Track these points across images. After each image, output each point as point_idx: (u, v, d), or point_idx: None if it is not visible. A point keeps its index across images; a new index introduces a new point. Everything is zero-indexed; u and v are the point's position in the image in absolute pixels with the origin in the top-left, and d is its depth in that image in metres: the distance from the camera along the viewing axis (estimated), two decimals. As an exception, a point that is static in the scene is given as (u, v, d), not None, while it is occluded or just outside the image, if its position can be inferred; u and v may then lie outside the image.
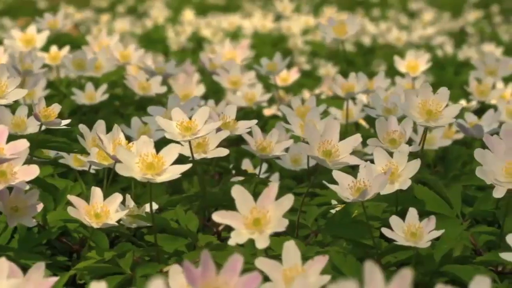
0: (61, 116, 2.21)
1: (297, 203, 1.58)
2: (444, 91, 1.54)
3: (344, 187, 1.35)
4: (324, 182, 1.38)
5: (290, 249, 1.15)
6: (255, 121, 1.58)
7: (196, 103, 1.75)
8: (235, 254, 1.04)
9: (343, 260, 1.37)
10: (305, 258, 1.16)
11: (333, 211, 1.54)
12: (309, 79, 3.45)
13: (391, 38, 4.02)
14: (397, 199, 1.49)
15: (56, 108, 1.54)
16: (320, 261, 1.15)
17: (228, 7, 6.76)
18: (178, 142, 1.46)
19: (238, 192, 1.18)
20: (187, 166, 1.29)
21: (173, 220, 1.50)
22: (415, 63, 2.25)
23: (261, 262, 1.13)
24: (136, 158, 1.28)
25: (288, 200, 1.17)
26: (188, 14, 5.28)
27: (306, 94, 2.96)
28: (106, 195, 1.42)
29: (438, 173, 1.80)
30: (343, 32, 2.14)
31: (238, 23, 4.67)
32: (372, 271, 0.94)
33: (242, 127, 1.58)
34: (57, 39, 4.12)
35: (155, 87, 2.09)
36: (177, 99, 1.75)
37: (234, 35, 4.32)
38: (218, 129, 1.55)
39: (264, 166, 1.98)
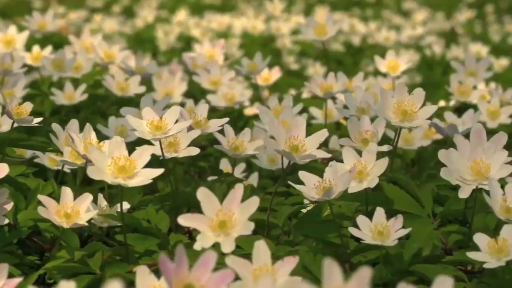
0: (42, 116, 2.22)
1: (266, 203, 1.59)
2: (419, 92, 1.54)
3: (310, 187, 1.36)
4: (290, 182, 1.39)
5: (260, 248, 1.15)
6: (226, 119, 1.58)
7: (167, 103, 1.75)
8: (208, 251, 1.05)
9: (312, 260, 1.38)
10: (275, 257, 1.17)
11: (304, 210, 1.54)
12: (298, 78, 3.45)
13: (380, 37, 4.03)
14: (367, 198, 1.49)
15: (28, 106, 1.54)
16: (290, 262, 1.15)
17: (223, 7, 6.75)
18: (149, 143, 1.48)
19: (204, 195, 1.18)
20: (160, 171, 1.29)
21: (145, 219, 1.51)
22: (395, 63, 2.25)
23: (232, 261, 1.13)
24: (108, 160, 1.28)
25: (254, 203, 1.17)
26: (181, 14, 5.28)
27: (292, 93, 2.96)
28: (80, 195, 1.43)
29: (414, 173, 1.80)
30: (323, 32, 2.15)
31: (227, 23, 4.67)
32: (331, 267, 0.95)
33: (214, 125, 1.59)
34: (46, 39, 4.13)
35: (134, 87, 2.09)
36: (150, 99, 1.76)
37: (224, 35, 4.31)
38: (191, 129, 1.56)
39: (243, 166, 1.98)
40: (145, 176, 1.27)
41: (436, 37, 4.55)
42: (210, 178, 1.75)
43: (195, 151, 1.51)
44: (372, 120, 1.59)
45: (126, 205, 1.53)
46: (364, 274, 0.93)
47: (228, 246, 1.16)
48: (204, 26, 4.69)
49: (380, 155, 1.52)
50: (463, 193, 1.38)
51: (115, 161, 1.27)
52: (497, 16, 6.38)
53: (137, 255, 1.44)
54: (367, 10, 6.42)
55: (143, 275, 1.11)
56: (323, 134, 1.41)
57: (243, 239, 1.43)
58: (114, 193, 1.73)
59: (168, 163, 1.54)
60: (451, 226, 1.51)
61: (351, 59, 3.83)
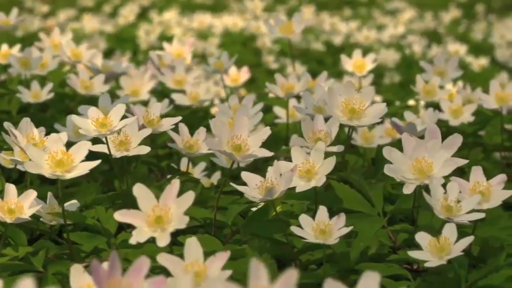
0: (9, 114, 2.22)
1: (221, 202, 1.60)
2: (368, 90, 1.54)
3: (253, 187, 1.36)
4: (232, 184, 1.39)
5: (192, 245, 1.17)
6: (179, 118, 1.59)
7: (125, 102, 1.75)
8: (141, 257, 1.05)
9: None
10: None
11: (254, 209, 1.54)
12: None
13: (360, 37, 4.03)
14: (316, 197, 1.49)
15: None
16: (221, 258, 1.16)
17: (215, 6, 6.75)
18: (102, 142, 1.49)
19: (140, 191, 1.19)
20: (96, 163, 1.31)
21: (95, 218, 1.51)
22: (361, 62, 2.25)
23: (163, 258, 1.15)
24: (46, 155, 1.30)
25: (189, 197, 1.18)
26: (170, 14, 5.28)
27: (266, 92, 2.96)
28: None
29: (372, 172, 1.80)
30: (290, 31, 2.15)
31: (209, 22, 4.67)
32: (257, 268, 0.95)
33: (167, 124, 1.59)
34: (30, 37, 4.14)
35: (98, 86, 2.09)
36: (108, 98, 1.76)
37: (204, 34, 4.32)
38: (144, 127, 1.57)
39: (204, 165, 1.98)
40: (82, 169, 1.31)
41: (419, 36, 4.55)
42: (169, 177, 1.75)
43: (146, 149, 1.51)
44: (328, 119, 1.59)
45: (76, 204, 1.54)
46: (291, 276, 0.93)
47: (163, 241, 1.17)
48: (185, 25, 4.69)
49: (338, 154, 1.52)
50: (407, 189, 1.39)
51: (52, 155, 1.30)
52: (486, 15, 6.38)
53: (84, 254, 1.44)
54: (358, 10, 6.41)
55: (76, 273, 1.12)
56: (265, 132, 1.41)
57: (188, 237, 1.43)
58: (73, 192, 1.74)
59: (127, 162, 1.54)
60: (398, 224, 1.51)
61: (332, 58, 3.84)
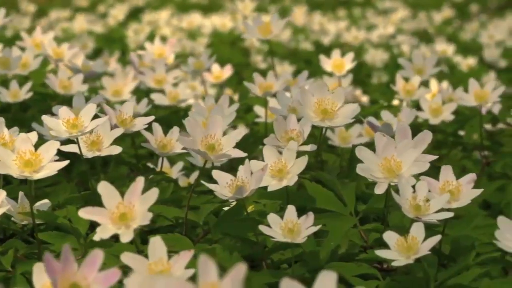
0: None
1: (196, 201, 1.60)
2: (340, 91, 1.54)
3: (223, 186, 1.36)
4: (203, 182, 1.39)
5: (156, 244, 1.17)
6: (152, 117, 1.58)
7: (100, 101, 1.75)
8: (95, 250, 1.06)
9: (228, 257, 1.38)
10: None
11: (226, 208, 1.54)
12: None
13: (349, 37, 4.03)
14: (288, 196, 1.49)
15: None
16: (185, 257, 1.16)
17: (210, 6, 6.75)
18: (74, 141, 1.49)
19: (104, 188, 1.20)
20: (65, 163, 1.31)
21: (66, 218, 1.51)
22: (340, 62, 2.24)
23: (126, 257, 1.15)
24: (14, 155, 1.30)
25: (153, 194, 1.19)
26: (164, 14, 5.28)
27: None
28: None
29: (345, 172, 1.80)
30: (268, 31, 2.14)
31: (198, 22, 4.67)
32: (206, 264, 0.95)
33: (139, 123, 1.59)
34: (17, 38, 4.12)
35: (77, 85, 2.09)
36: (82, 98, 1.76)
37: (193, 35, 4.31)
38: (116, 127, 1.57)
39: (181, 164, 1.98)
40: (51, 169, 1.30)
41: (410, 36, 4.55)
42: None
43: (117, 149, 1.51)
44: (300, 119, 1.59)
45: (48, 203, 1.54)
46: (239, 271, 0.93)
47: (126, 237, 1.18)
48: (175, 25, 4.69)
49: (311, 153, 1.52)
50: (379, 189, 1.38)
51: (20, 155, 1.29)
52: (479, 15, 6.38)
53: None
54: (352, 10, 6.41)
55: (40, 271, 1.13)
56: (239, 132, 1.41)
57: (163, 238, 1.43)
58: (48, 192, 1.73)
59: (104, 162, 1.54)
60: (369, 224, 1.51)
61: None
